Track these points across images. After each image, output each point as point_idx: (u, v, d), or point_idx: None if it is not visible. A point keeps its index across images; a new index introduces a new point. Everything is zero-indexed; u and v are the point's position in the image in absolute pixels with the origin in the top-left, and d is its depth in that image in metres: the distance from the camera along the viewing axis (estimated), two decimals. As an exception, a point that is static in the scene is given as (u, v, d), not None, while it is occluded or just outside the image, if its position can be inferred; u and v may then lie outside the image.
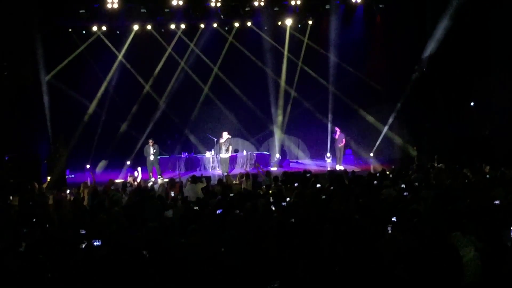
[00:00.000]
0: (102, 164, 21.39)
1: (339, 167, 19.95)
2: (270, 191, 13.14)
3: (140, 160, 20.46)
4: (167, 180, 16.63)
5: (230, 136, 20.55)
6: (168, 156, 20.29)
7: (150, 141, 19.43)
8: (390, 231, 8.13)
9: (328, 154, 21.95)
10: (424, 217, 8.70)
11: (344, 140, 21.03)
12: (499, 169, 14.22)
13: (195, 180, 14.44)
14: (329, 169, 19.61)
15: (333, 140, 21.54)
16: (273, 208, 10.71)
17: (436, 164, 17.48)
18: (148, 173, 19.03)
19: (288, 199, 11.83)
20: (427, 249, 6.73)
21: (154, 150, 19.20)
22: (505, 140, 17.96)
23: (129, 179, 17.14)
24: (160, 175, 18.76)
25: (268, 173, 16.56)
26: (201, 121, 22.55)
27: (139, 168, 18.25)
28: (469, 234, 6.96)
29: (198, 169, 20.67)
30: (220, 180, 15.38)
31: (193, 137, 22.41)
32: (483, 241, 6.83)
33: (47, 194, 14.25)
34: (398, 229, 8.01)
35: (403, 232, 7.66)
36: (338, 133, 21.07)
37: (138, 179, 17.31)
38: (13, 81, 17.67)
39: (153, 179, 18.39)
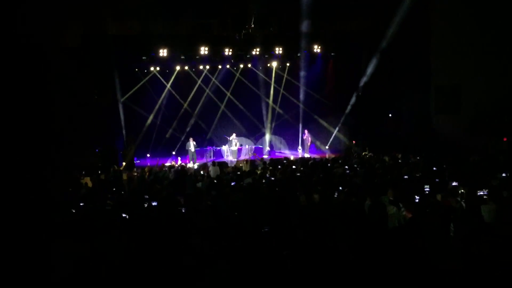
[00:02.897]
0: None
1: (306, 155, 19.96)
2: (262, 171, 13.20)
3: (181, 150, 20.54)
4: (198, 164, 16.71)
5: (235, 135, 20.69)
6: (198, 148, 20.29)
7: (191, 138, 19.55)
8: (336, 196, 8.21)
9: (300, 147, 21.94)
10: (361, 187, 8.76)
11: (310, 138, 21.12)
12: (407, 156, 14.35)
13: (214, 164, 14.49)
14: (300, 156, 19.59)
15: (303, 138, 21.57)
16: (263, 181, 10.80)
17: (367, 153, 17.55)
18: (189, 159, 19.11)
19: (275, 176, 11.90)
20: (361, 206, 6.78)
21: (194, 143, 19.41)
22: (410, 138, 18.04)
23: (172, 163, 17.23)
24: (195, 161, 18.79)
25: (262, 159, 16.63)
26: (219, 126, 22.52)
27: (179, 158, 18.42)
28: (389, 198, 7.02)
29: (213, 157, 20.69)
30: (232, 164, 15.46)
31: (215, 137, 22.41)
32: (396, 202, 6.89)
33: (122, 173, 14.32)
34: (344, 195, 8.07)
35: (346, 197, 7.72)
36: (306, 133, 21.20)
37: (178, 163, 17.45)
38: (101, 102, 17.71)
39: (190, 163, 18.43)
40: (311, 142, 21.34)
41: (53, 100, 11.75)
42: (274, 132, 23.04)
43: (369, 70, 19.31)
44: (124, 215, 6.90)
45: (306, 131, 21.28)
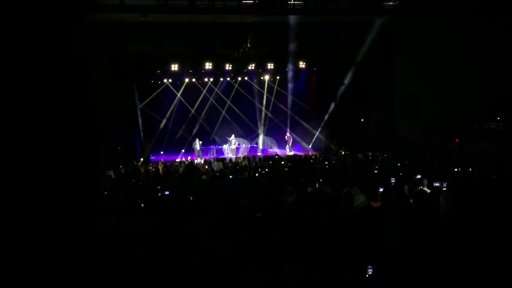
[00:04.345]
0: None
1: (291, 153, 19.92)
2: (256, 166, 13.15)
3: (189, 149, 20.47)
4: (203, 159, 16.62)
5: (234, 136, 20.60)
6: (203, 147, 20.23)
7: (197, 139, 19.46)
8: (318, 185, 8.17)
9: (287, 146, 21.86)
10: (337, 179, 8.72)
11: (291, 138, 21.03)
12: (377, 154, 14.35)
13: (218, 160, 14.42)
14: (287, 154, 19.56)
15: (285, 139, 21.43)
16: (257, 175, 10.74)
17: (343, 151, 17.55)
18: (195, 156, 19.02)
19: (266, 170, 11.86)
20: (336, 195, 6.73)
21: (201, 142, 19.33)
22: (378, 139, 18.08)
23: (183, 159, 17.16)
24: (201, 158, 18.71)
25: (253, 156, 16.59)
26: (221, 129, 22.43)
27: (189, 157, 18.34)
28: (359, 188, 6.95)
29: (214, 154, 20.62)
30: (230, 160, 15.41)
31: (217, 137, 22.32)
32: (365, 193, 6.82)
33: (140, 167, 14.22)
34: (323, 184, 8.04)
35: (327, 186, 7.67)
36: (288, 134, 21.13)
37: (188, 159, 17.37)
38: (122, 109, 17.61)
39: (197, 160, 18.35)
40: (293, 141, 21.21)
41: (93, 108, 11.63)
42: (266, 134, 22.99)
43: (345, 83, 19.36)
44: (141, 202, 6.83)
45: (288, 133, 21.19)
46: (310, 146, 21.78)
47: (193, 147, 19.30)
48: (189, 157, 18.50)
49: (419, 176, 7.71)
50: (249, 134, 22.85)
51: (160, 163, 14.93)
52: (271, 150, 21.99)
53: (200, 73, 20.42)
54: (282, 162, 13.36)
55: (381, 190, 7.15)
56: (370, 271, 3.51)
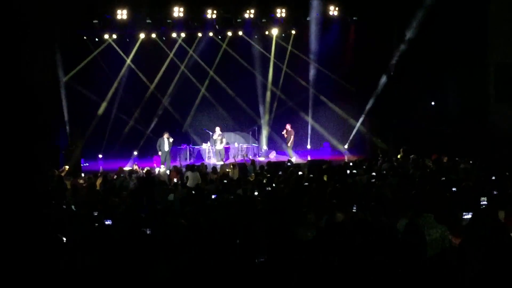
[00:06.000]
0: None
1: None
2: (256, 179, 13.18)
3: (146, 149, 20.51)
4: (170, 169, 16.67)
5: (220, 130, 20.62)
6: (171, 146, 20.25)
7: (166, 134, 19.09)
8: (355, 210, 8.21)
9: (308, 146, 21.86)
10: (391, 200, 8.76)
11: (292, 135, 20.84)
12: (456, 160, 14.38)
13: (194, 169, 14.42)
14: (309, 159, 19.54)
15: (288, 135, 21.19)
16: (256, 193, 10.78)
17: (401, 155, 17.56)
18: (160, 162, 19.07)
19: (273, 185, 11.88)
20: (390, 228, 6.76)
21: (170, 141, 19.13)
22: (460, 134, 18.06)
23: (134, 167, 17.20)
24: (169, 165, 18.65)
25: (253, 162, 16.61)
26: (198, 117, 22.50)
27: (154, 165, 18.40)
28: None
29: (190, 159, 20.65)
30: (214, 169, 15.46)
31: (192, 131, 22.34)
32: (442, 222, 6.84)
33: (65, 180, 14.25)
34: (365, 210, 8.06)
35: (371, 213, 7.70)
36: (287, 127, 20.95)
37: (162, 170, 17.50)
38: (35, 82, 17.63)
39: (161, 168, 18.33)
40: (293, 138, 21.06)
41: None
42: (274, 126, 22.98)
43: (405, 41, 19.32)
44: (63, 237, 6.87)
45: (288, 125, 20.95)
46: (345, 147, 21.81)
47: (158, 146, 19.09)
48: (155, 164, 18.54)
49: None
50: (246, 127, 22.90)
51: (99, 173, 14.97)
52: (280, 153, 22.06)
53: (164, 24, 20.47)
54: (300, 173, 13.39)
55: (466, 216, 7.20)
56: None
